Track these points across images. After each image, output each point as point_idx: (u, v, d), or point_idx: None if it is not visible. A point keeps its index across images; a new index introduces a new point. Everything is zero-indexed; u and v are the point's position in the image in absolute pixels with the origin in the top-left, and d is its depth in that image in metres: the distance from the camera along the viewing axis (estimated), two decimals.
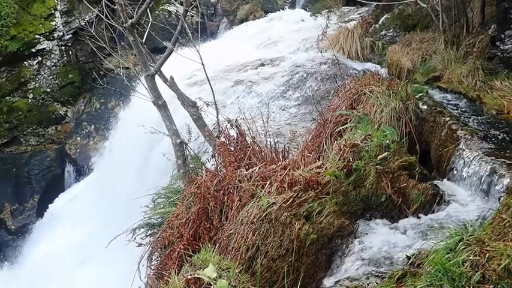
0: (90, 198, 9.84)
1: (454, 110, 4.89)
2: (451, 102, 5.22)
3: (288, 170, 3.70)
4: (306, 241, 3.19)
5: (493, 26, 6.06)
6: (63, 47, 12.06)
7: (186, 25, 5.28)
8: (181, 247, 3.59)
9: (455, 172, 4.02)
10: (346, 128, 4.64)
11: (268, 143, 4.51)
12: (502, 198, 3.11)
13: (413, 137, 4.50)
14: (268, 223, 3.24)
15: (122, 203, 7.80)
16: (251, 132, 4.60)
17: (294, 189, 3.43)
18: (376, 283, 2.75)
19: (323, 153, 4.40)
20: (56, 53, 11.96)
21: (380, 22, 9.19)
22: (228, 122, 4.73)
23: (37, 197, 11.36)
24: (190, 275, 2.75)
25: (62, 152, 11.87)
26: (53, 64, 11.94)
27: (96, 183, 10.18)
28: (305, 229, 3.21)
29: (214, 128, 5.10)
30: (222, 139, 4.54)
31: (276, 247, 3.18)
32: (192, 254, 3.24)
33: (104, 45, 6.07)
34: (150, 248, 4.11)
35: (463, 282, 2.12)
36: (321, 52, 8.95)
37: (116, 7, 5.30)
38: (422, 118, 4.69)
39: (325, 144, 4.60)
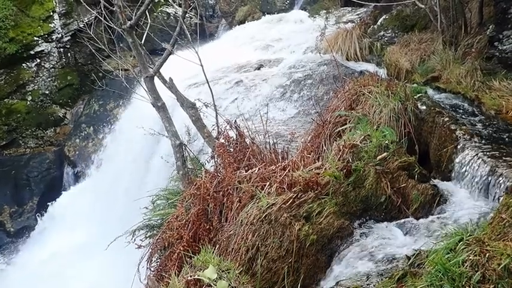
0: (89, 199, 9.82)
1: (452, 110, 4.90)
2: (449, 102, 5.23)
3: (287, 170, 3.70)
4: (306, 242, 3.20)
5: (491, 26, 6.07)
6: (61, 49, 12.03)
7: (184, 27, 5.28)
8: (181, 248, 3.59)
9: (454, 172, 4.02)
10: (346, 128, 4.64)
11: (268, 144, 4.51)
12: (501, 198, 3.12)
13: (412, 137, 4.50)
14: (268, 224, 3.24)
15: (121, 204, 7.79)
16: (250, 133, 4.60)
17: (293, 190, 3.43)
18: (377, 283, 2.75)
19: (322, 154, 4.40)
20: (55, 55, 11.94)
21: (378, 23, 9.19)
22: (227, 123, 4.73)
23: (36, 199, 11.34)
24: (191, 276, 2.75)
25: (60, 154, 11.84)
26: (51, 66, 11.92)
27: (95, 184, 10.17)
28: (305, 230, 3.22)
29: (213, 129, 5.10)
30: (222, 140, 4.55)
31: (275, 248, 3.18)
32: (192, 256, 3.24)
33: (103, 47, 6.08)
34: (150, 250, 4.10)
35: (463, 282, 2.13)
36: (320, 53, 8.96)
37: (114, 9, 5.30)
38: (421, 118, 4.69)
39: (325, 145, 4.61)
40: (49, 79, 11.93)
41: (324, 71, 8.08)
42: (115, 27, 6.15)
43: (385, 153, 3.80)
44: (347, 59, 8.61)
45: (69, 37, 12.05)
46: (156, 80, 5.29)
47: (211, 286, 2.62)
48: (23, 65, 11.54)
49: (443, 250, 2.33)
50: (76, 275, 7.82)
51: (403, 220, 3.54)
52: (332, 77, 7.63)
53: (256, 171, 3.83)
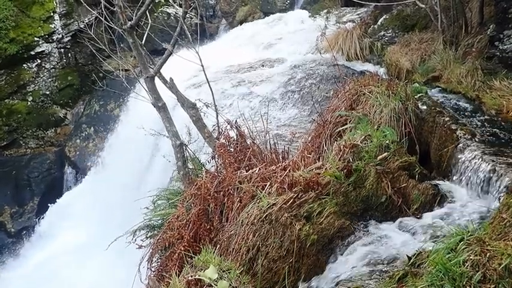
0: (89, 200, 9.83)
1: (453, 110, 4.90)
2: (450, 102, 5.22)
3: (288, 170, 3.70)
4: (307, 242, 3.20)
5: (491, 26, 6.06)
6: (62, 50, 12.04)
7: (185, 27, 5.28)
8: (182, 248, 3.59)
9: (455, 172, 4.02)
10: (346, 128, 4.64)
11: (268, 144, 4.51)
12: (502, 198, 3.12)
13: (412, 137, 4.50)
14: (268, 224, 3.24)
15: (122, 205, 7.79)
16: (251, 134, 4.60)
17: (294, 190, 3.43)
18: (377, 283, 2.75)
19: (323, 154, 4.40)
20: (55, 55, 11.94)
21: (379, 23, 9.18)
22: (228, 123, 4.74)
23: (37, 200, 11.35)
24: (191, 276, 2.75)
25: (61, 155, 11.85)
26: (52, 67, 11.93)
27: (95, 185, 10.17)
28: (305, 230, 3.22)
29: (214, 129, 5.10)
30: (222, 140, 4.55)
31: (276, 248, 3.18)
32: (193, 256, 3.25)
33: (103, 48, 6.07)
34: (151, 250, 4.11)
35: (464, 282, 2.13)
36: (320, 53, 8.96)
37: (115, 9, 5.30)
38: (422, 118, 4.69)
39: (325, 145, 4.61)
40: (49, 79, 11.94)
41: (325, 71, 8.08)
42: (115, 27, 6.16)
43: (385, 153, 3.80)
44: (347, 59, 8.61)
45: (69, 37, 12.05)
46: (157, 80, 5.29)
47: (212, 286, 2.62)
48: (24, 65, 11.55)
49: (444, 250, 2.33)
50: (76, 275, 7.83)
51: (403, 220, 3.53)
52: (332, 77, 7.63)
53: (256, 171, 3.83)
